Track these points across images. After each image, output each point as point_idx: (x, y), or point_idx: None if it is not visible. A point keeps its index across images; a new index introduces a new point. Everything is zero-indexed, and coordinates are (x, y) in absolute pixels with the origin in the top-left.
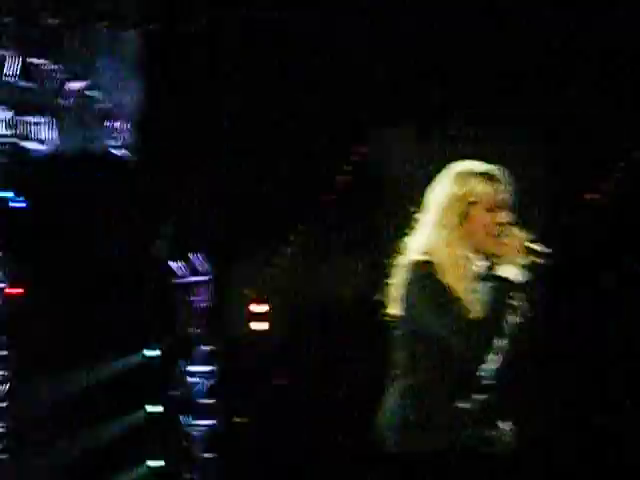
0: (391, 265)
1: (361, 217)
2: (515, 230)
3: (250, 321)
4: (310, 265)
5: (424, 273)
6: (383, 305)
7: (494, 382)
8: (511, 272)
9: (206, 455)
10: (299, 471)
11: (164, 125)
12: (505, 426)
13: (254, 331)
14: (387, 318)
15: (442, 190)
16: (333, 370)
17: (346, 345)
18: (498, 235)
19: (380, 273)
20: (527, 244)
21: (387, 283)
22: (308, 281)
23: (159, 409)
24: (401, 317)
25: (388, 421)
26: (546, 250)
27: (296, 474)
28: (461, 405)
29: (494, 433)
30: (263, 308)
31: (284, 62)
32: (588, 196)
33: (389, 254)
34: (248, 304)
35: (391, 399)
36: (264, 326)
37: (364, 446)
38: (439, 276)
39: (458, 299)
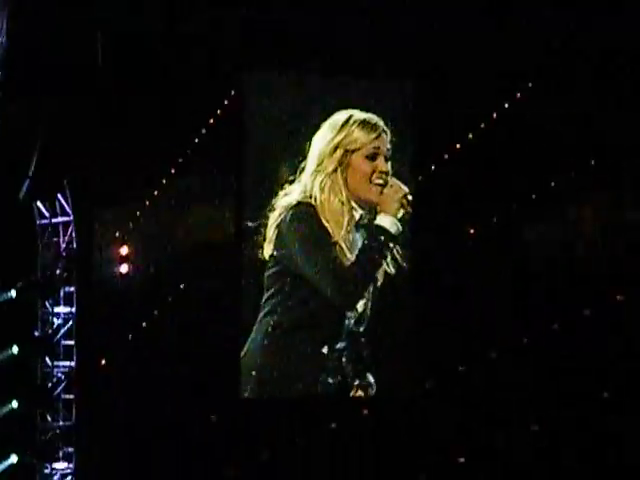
0: (268, 208)
1: (233, 163)
2: (395, 181)
3: (114, 263)
4: (178, 208)
5: (304, 214)
6: (256, 246)
7: (362, 330)
8: (388, 222)
9: (66, 396)
10: (160, 414)
11: (29, 60)
12: (370, 377)
13: (118, 273)
14: (260, 258)
15: (321, 138)
16: (199, 313)
17: (213, 288)
18: (379, 184)
19: (251, 218)
20: (407, 196)
21: (264, 225)
22: (176, 224)
23: (16, 350)
24: (275, 256)
25: (250, 362)
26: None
27: (157, 417)
28: (326, 351)
29: (358, 382)
30: (127, 250)
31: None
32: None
33: (266, 198)
34: (112, 246)
35: (257, 337)
36: (128, 269)
37: (229, 391)
38: (318, 218)
39: (334, 243)
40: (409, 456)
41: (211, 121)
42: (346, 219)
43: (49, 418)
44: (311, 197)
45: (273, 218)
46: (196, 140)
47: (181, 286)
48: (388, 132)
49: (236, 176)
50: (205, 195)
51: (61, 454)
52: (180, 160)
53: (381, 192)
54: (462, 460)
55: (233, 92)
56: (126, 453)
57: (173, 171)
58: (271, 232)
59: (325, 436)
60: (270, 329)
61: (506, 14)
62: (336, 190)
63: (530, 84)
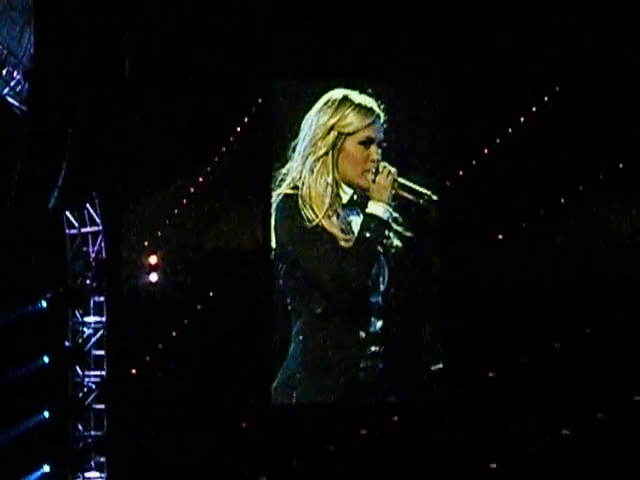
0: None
1: (261, 169)
2: (386, 166)
3: (143, 273)
4: (206, 217)
5: (288, 206)
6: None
7: (382, 311)
8: (380, 209)
9: (97, 406)
10: (191, 422)
11: (57, 74)
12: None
13: (148, 282)
14: (272, 255)
15: (315, 118)
16: (229, 320)
17: (243, 295)
18: (369, 171)
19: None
20: (399, 180)
21: (270, 220)
22: (204, 233)
23: (47, 360)
24: (278, 255)
25: (292, 367)
26: (420, 189)
27: (188, 425)
28: (364, 335)
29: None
30: (156, 259)
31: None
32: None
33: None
34: (141, 256)
35: (294, 344)
36: (158, 277)
37: (260, 398)
38: (303, 208)
39: (324, 230)
40: (439, 462)
41: (238, 129)
42: (328, 200)
43: (80, 428)
44: (297, 183)
45: (272, 212)
46: (224, 148)
47: (210, 294)
48: (382, 116)
49: (264, 182)
50: (233, 203)
51: (93, 464)
52: (208, 168)
53: (373, 180)
54: (494, 466)
55: (260, 100)
56: (157, 461)
57: (201, 179)
58: (272, 227)
59: (356, 442)
60: (302, 330)
61: (534, 17)
62: (325, 172)
63: (557, 88)
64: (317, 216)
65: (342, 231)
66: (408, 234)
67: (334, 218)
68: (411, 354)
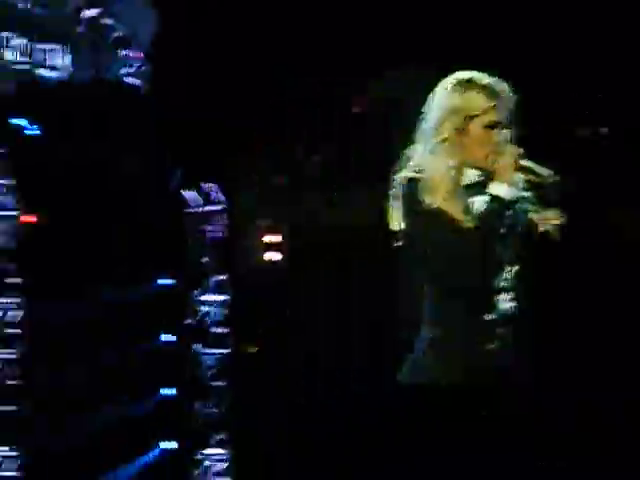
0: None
1: (375, 146)
2: (510, 147)
3: (264, 251)
4: (324, 194)
5: (409, 188)
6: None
7: (508, 293)
8: (502, 190)
9: (217, 383)
10: (311, 400)
11: (179, 54)
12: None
13: (267, 261)
14: (393, 236)
15: (441, 99)
16: (348, 299)
17: (362, 274)
18: (493, 153)
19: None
20: (522, 162)
21: (389, 201)
22: (322, 211)
23: (172, 338)
24: (403, 236)
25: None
26: (543, 170)
27: (308, 403)
28: (488, 318)
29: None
30: (277, 238)
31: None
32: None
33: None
34: (261, 234)
35: (423, 327)
36: (277, 256)
37: (381, 376)
38: (424, 190)
39: (446, 214)
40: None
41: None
42: (449, 183)
43: (201, 405)
44: (421, 165)
45: (393, 193)
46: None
47: (333, 272)
48: (511, 97)
49: (387, 163)
50: (356, 183)
51: (214, 441)
52: (327, 145)
53: (497, 161)
54: None
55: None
56: (280, 439)
57: (319, 158)
58: (392, 210)
59: (478, 423)
60: (430, 314)
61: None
62: (447, 155)
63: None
64: (437, 199)
65: (463, 213)
66: (533, 214)
67: (455, 200)
68: (537, 336)
